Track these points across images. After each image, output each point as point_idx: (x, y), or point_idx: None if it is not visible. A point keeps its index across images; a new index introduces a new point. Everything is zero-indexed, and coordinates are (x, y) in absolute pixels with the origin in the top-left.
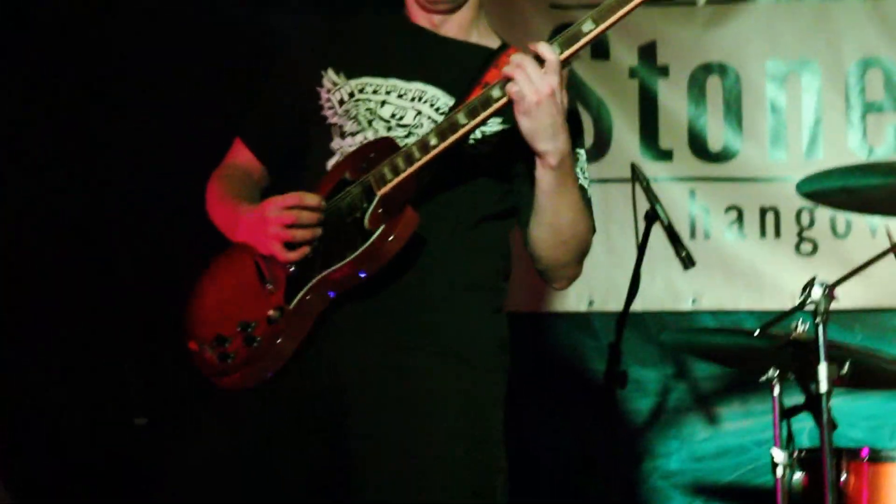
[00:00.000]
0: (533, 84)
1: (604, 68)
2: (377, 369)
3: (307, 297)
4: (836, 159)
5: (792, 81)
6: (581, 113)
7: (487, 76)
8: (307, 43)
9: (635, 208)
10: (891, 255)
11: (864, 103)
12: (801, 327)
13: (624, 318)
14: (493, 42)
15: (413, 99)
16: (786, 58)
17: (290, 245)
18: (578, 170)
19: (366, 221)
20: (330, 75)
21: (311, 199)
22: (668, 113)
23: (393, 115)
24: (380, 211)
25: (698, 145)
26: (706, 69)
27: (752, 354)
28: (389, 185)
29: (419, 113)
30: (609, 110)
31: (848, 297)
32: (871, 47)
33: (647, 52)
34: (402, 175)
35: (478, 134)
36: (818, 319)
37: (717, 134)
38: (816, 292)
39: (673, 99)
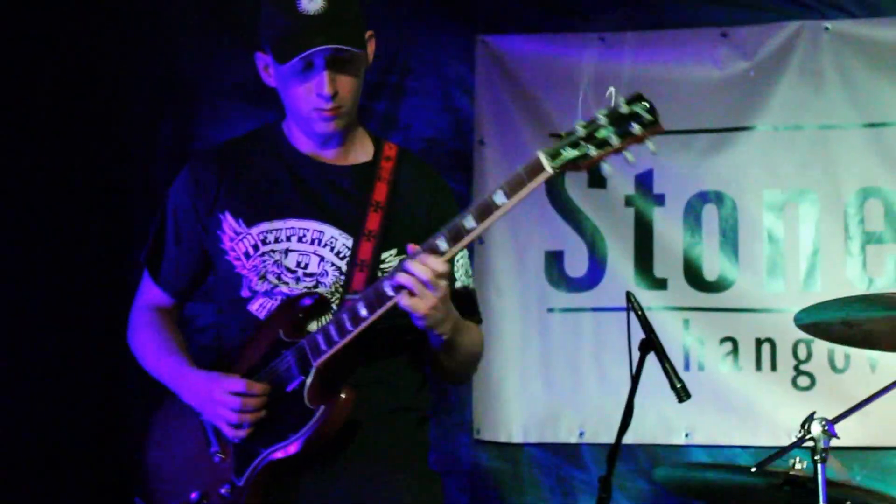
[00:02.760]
0: (424, 300)
1: (600, 196)
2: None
3: (255, 472)
4: (834, 291)
5: (789, 211)
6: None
7: (376, 194)
8: (202, 186)
9: (630, 338)
10: (892, 393)
11: (863, 233)
12: (799, 465)
13: (616, 451)
14: (367, 149)
15: (313, 241)
16: (783, 187)
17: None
18: (463, 272)
19: (305, 397)
20: (229, 220)
21: (255, 387)
22: (663, 241)
23: (298, 264)
24: (318, 384)
25: (693, 274)
26: (702, 197)
27: (747, 493)
28: (324, 357)
29: (322, 259)
30: (604, 238)
31: (847, 435)
32: (870, 177)
33: (644, 180)
34: (336, 347)
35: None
36: (817, 457)
37: (713, 263)
38: (815, 429)
39: (668, 227)
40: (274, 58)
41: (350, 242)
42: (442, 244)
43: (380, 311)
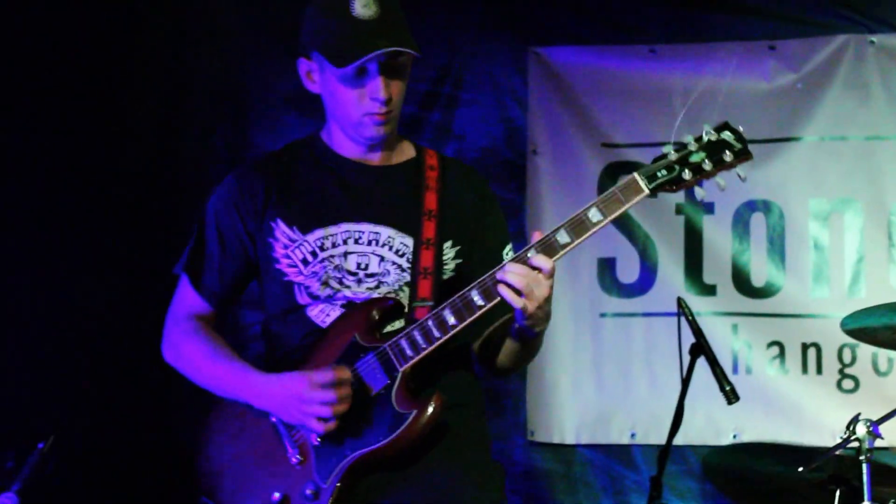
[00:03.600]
0: (534, 300)
1: (651, 205)
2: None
3: (342, 475)
4: (878, 297)
5: (835, 219)
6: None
7: (427, 203)
8: (249, 195)
9: (680, 342)
10: None
11: None
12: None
13: (666, 452)
14: (408, 151)
15: (370, 242)
16: (829, 196)
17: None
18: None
19: (393, 401)
20: (282, 228)
21: (343, 373)
22: (712, 249)
23: (359, 266)
24: (405, 389)
25: (742, 281)
26: (750, 206)
27: (794, 491)
28: (411, 363)
29: (382, 259)
30: (655, 245)
31: (892, 435)
32: None
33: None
34: (424, 353)
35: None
36: (862, 457)
37: (761, 270)
38: (861, 429)
39: (718, 235)
40: (330, 62)
41: (408, 241)
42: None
43: (469, 320)
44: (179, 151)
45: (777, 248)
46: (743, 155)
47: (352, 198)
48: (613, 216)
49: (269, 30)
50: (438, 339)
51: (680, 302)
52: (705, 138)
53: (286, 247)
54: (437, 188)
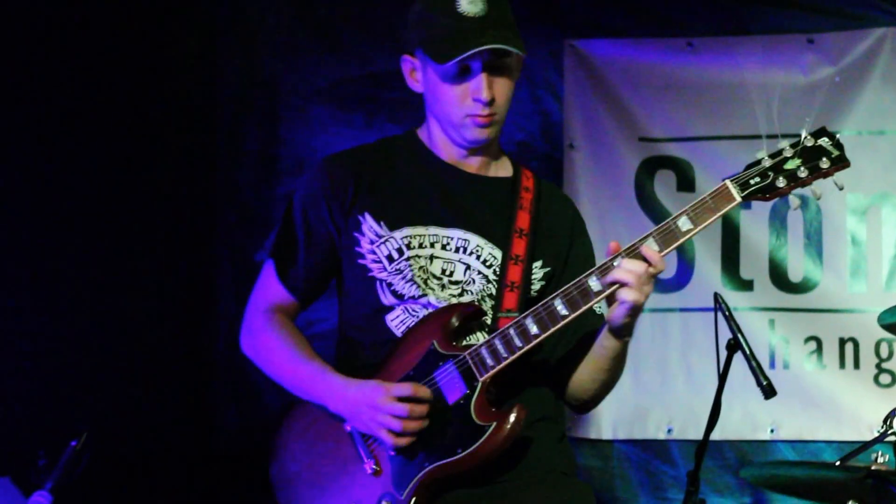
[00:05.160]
0: (642, 293)
1: (690, 200)
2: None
3: (419, 487)
4: None
5: (872, 214)
6: None
7: (519, 222)
8: (338, 187)
9: (717, 337)
10: None
11: None
12: (882, 459)
13: (704, 447)
14: (506, 166)
15: (458, 250)
16: (866, 191)
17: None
18: None
19: (472, 413)
20: (369, 222)
21: (423, 391)
22: (749, 244)
23: (444, 272)
24: (485, 400)
25: (779, 276)
26: (787, 201)
27: (831, 486)
28: (492, 373)
29: (468, 267)
30: (692, 241)
31: None
32: None
33: None
34: (505, 363)
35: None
36: None
37: (798, 265)
38: None
39: (755, 230)
40: (431, 58)
41: (497, 253)
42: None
43: (552, 330)
44: (209, 147)
45: (814, 243)
46: (840, 162)
47: (444, 201)
48: (704, 225)
49: (301, 22)
50: (520, 348)
51: (717, 297)
52: (801, 144)
53: (372, 242)
54: (531, 209)
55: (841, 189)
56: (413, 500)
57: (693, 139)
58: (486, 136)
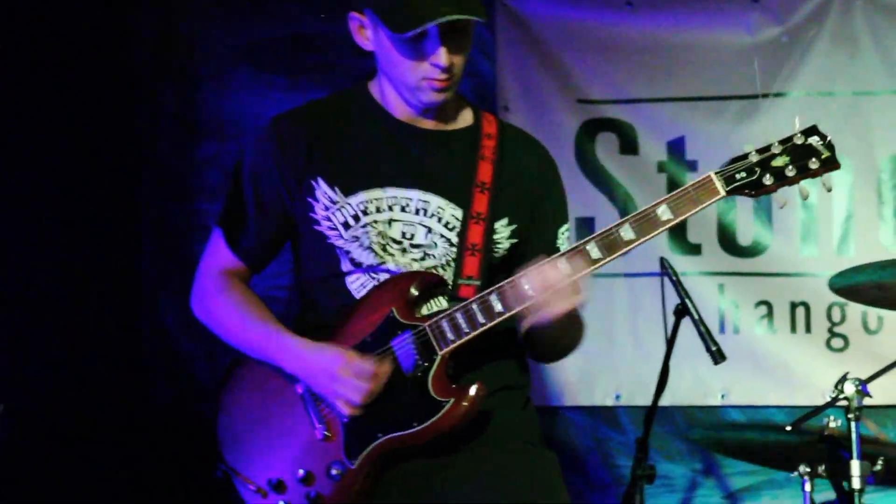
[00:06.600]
0: (562, 305)
1: (632, 163)
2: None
3: (370, 456)
4: (867, 255)
5: (823, 176)
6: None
7: (480, 175)
8: (289, 149)
9: (664, 303)
10: None
11: None
12: (834, 423)
13: (652, 413)
14: (465, 116)
15: (418, 212)
16: None
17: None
18: (566, 241)
19: (430, 387)
20: (323, 188)
21: (384, 369)
22: None
23: (404, 235)
24: (443, 374)
25: (728, 240)
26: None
27: (782, 450)
28: (452, 347)
29: (429, 230)
30: (637, 205)
31: (881, 393)
32: None
33: (676, 147)
34: (466, 338)
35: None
36: (851, 415)
37: (747, 229)
38: (849, 388)
39: None
40: (387, 27)
41: (459, 214)
42: (594, 252)
43: (518, 309)
44: (126, 111)
45: (764, 206)
46: (830, 164)
47: (401, 162)
48: (684, 216)
49: None
50: (483, 325)
51: (663, 262)
52: (791, 142)
53: (327, 208)
54: (493, 159)
55: (829, 191)
56: (364, 469)
57: (635, 101)
58: (443, 98)
